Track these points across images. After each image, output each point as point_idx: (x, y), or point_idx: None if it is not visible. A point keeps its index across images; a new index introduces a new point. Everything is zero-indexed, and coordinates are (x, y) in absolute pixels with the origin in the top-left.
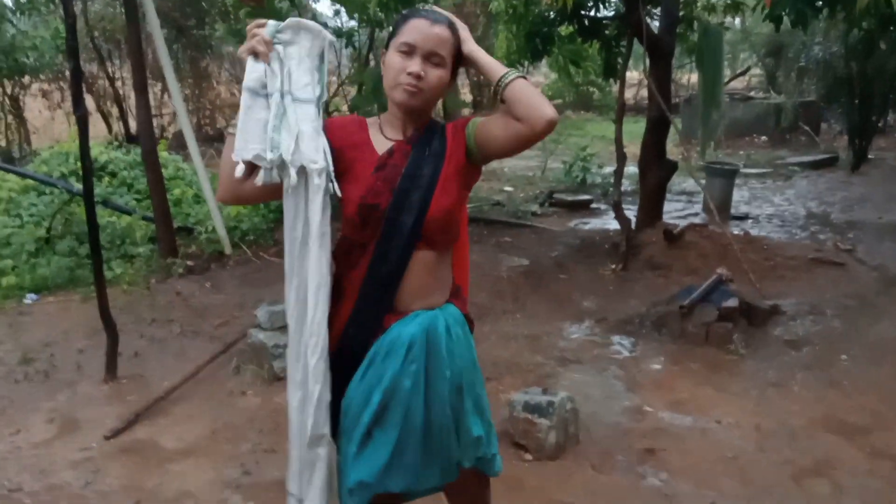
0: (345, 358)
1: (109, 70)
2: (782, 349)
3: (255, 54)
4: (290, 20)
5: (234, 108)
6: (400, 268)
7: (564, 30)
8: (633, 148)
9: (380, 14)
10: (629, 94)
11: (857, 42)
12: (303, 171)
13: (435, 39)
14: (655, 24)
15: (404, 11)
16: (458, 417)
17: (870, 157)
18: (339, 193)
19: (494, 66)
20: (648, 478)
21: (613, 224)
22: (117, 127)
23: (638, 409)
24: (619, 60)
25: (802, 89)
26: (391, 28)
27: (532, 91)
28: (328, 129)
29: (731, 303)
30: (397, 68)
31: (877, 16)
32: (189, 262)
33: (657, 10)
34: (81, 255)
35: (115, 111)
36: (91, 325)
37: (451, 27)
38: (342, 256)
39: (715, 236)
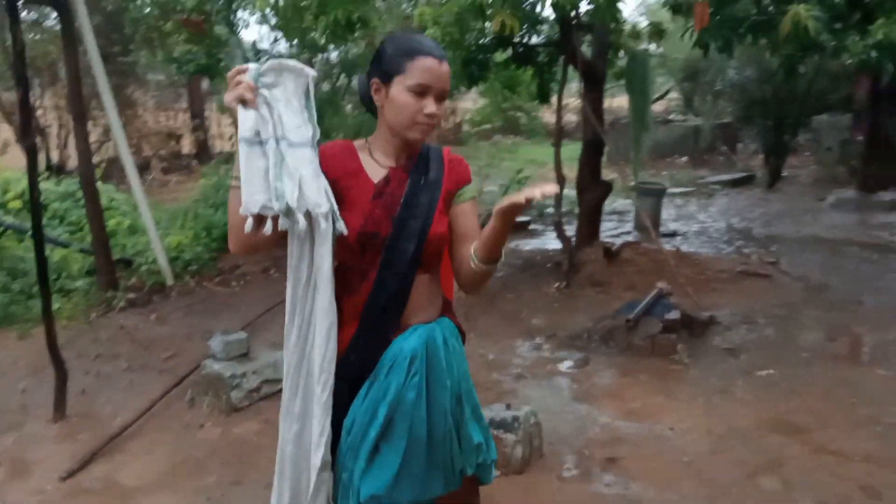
0: (345, 381)
1: (31, 98)
2: (723, 357)
3: (244, 102)
4: (271, 62)
5: (160, 136)
6: (402, 293)
7: (499, 56)
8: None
9: (324, 41)
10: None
11: (777, 66)
12: (308, 215)
13: (445, 78)
14: (588, 51)
15: (399, 42)
16: (458, 426)
17: (784, 174)
18: (345, 232)
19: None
20: (613, 486)
21: (553, 244)
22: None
23: (595, 420)
24: (552, 85)
25: (719, 111)
26: (382, 58)
27: (482, 282)
28: (324, 155)
29: (673, 315)
30: (413, 109)
31: (796, 43)
32: (130, 295)
33: (588, 37)
34: (14, 291)
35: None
36: (32, 363)
37: (446, 59)
38: (342, 282)
39: (650, 253)
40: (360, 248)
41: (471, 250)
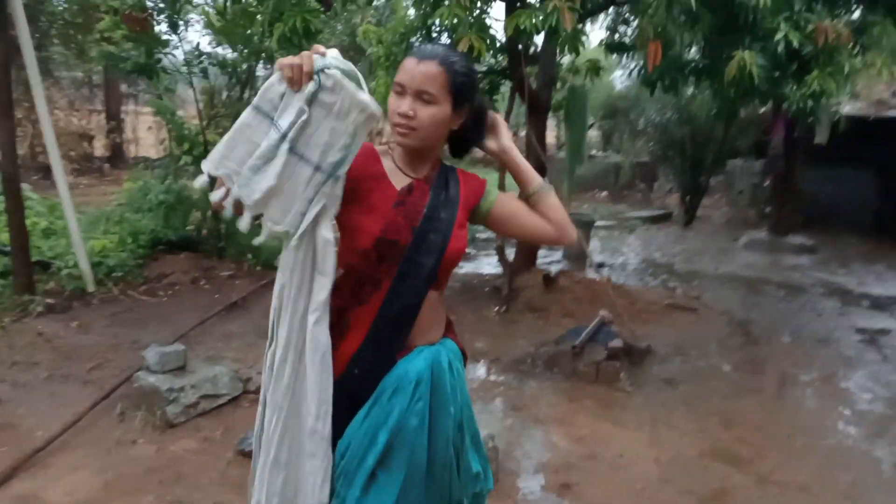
0: (345, 395)
1: None
2: (662, 386)
3: (290, 79)
4: (348, 69)
5: (72, 136)
6: (414, 308)
7: None
8: None
9: (273, 48)
10: None
11: (716, 110)
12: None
13: (420, 77)
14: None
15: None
16: (458, 454)
17: (698, 214)
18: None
19: (529, 172)
20: None
21: (487, 268)
22: None
23: (547, 445)
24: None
25: (638, 150)
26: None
27: (562, 207)
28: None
29: (617, 343)
30: (392, 109)
31: (740, 88)
32: (48, 300)
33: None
34: None
35: None
36: None
37: (444, 63)
38: (350, 290)
39: (584, 282)
40: (377, 255)
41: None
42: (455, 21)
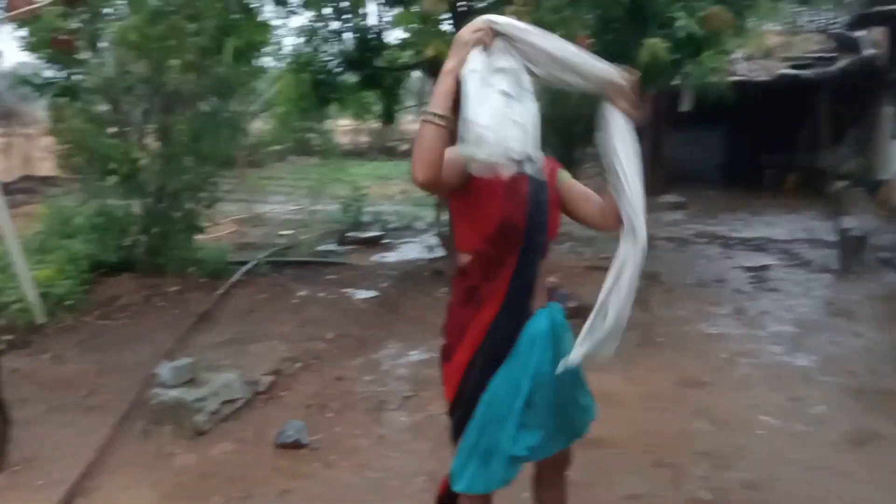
0: (487, 358)
1: None
2: None
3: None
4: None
5: None
6: (535, 278)
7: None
8: (378, 189)
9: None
10: (346, 140)
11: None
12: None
13: None
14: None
15: None
16: (574, 392)
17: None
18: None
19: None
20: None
21: (410, 255)
22: None
23: None
24: (397, 106)
25: None
26: None
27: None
28: None
29: (572, 303)
30: None
31: (652, 69)
32: (6, 337)
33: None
34: None
35: None
36: None
37: None
38: (480, 269)
39: None
40: (501, 237)
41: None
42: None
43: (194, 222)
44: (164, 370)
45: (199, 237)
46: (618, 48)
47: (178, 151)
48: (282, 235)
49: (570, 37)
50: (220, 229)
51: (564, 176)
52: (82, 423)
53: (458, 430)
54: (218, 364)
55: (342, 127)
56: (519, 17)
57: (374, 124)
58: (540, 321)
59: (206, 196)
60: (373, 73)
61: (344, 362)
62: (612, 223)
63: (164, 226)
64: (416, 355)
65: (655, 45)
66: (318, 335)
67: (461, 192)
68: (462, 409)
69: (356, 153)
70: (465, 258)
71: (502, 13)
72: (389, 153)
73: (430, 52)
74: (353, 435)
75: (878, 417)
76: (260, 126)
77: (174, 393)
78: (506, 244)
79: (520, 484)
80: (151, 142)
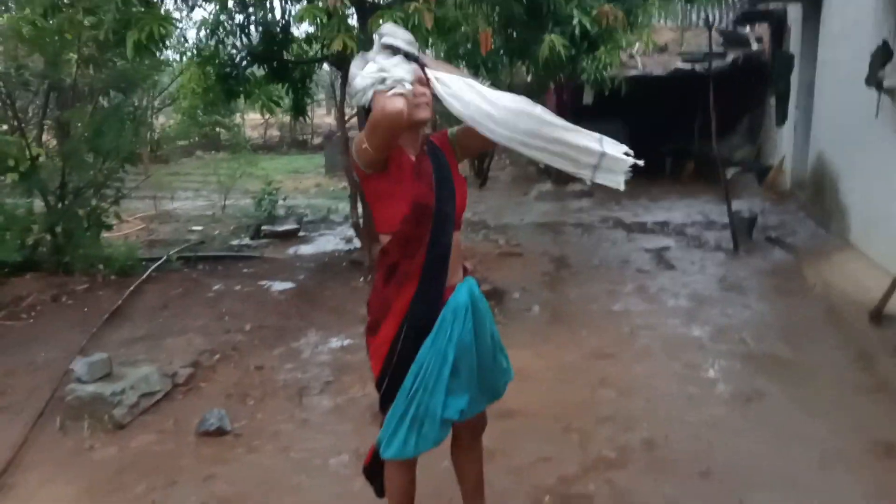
0: (411, 329)
1: None
2: (526, 315)
3: None
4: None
5: None
6: (449, 249)
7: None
8: (291, 182)
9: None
10: (257, 134)
11: (533, 83)
12: None
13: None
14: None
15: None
16: (494, 356)
17: (489, 176)
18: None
19: None
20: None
21: (327, 247)
22: None
23: None
24: (307, 100)
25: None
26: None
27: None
28: None
29: (487, 286)
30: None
31: (550, 64)
32: None
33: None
34: None
35: None
36: None
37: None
38: (398, 248)
39: None
40: (415, 218)
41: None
42: (318, 21)
43: (100, 220)
44: (79, 366)
45: (106, 235)
46: (518, 44)
47: (78, 148)
48: (192, 231)
49: (473, 32)
50: (127, 227)
51: (452, 131)
52: None
53: (385, 401)
54: (134, 359)
55: (252, 121)
56: (421, 14)
57: (284, 118)
58: (461, 294)
59: (111, 193)
60: (280, 67)
61: (263, 352)
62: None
63: (68, 224)
64: (335, 342)
65: (553, 41)
66: (235, 327)
67: (375, 177)
68: (389, 380)
69: (267, 147)
70: (384, 238)
71: (406, 10)
72: (301, 147)
73: (336, 45)
74: (276, 420)
75: (763, 379)
76: (164, 121)
77: (91, 388)
78: (419, 221)
79: (441, 452)
80: (50, 138)
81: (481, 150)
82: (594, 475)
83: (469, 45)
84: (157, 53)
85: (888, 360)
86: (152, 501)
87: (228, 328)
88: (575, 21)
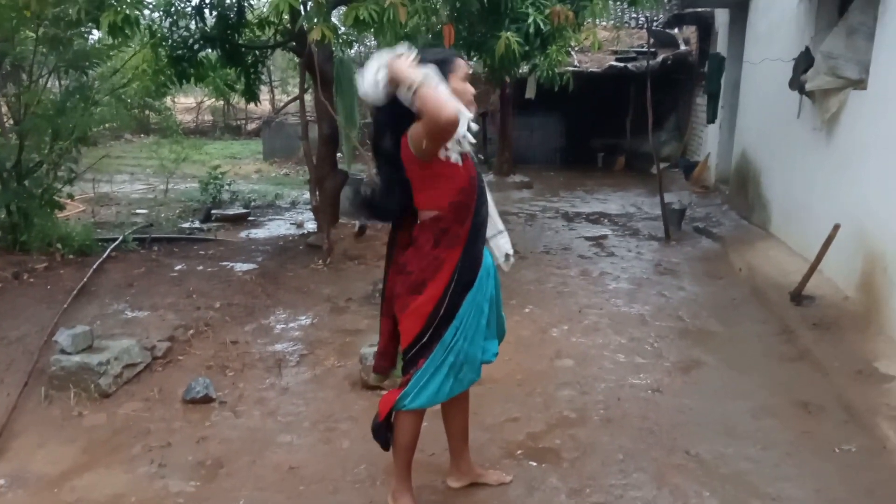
0: (458, 285)
1: None
2: None
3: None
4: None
5: None
6: (487, 216)
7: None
8: (230, 168)
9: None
10: (189, 118)
11: (489, 77)
12: None
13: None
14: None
15: (442, 52)
16: (500, 306)
17: None
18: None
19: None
20: None
21: (281, 230)
22: None
23: None
24: (258, 84)
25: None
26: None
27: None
28: None
29: None
30: (467, 89)
31: (505, 60)
32: None
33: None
34: None
35: None
36: None
37: None
38: (454, 215)
39: (385, 228)
40: (471, 189)
41: None
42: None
43: (53, 200)
44: (63, 337)
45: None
46: (475, 39)
47: (38, 125)
48: (137, 214)
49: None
50: (68, 209)
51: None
52: None
53: (418, 356)
54: (111, 333)
55: (182, 105)
56: (395, 8)
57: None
58: (488, 257)
59: (63, 174)
60: (233, 51)
61: (236, 328)
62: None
63: (23, 202)
64: (304, 320)
65: (509, 38)
66: (205, 305)
67: (434, 164)
68: (431, 334)
69: (199, 132)
70: (429, 214)
71: (381, 4)
72: (235, 132)
73: (315, 35)
74: (258, 389)
75: (699, 350)
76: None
77: (76, 359)
78: (471, 192)
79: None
80: (6, 115)
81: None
82: (559, 431)
83: (430, 37)
84: (130, 35)
85: (807, 334)
86: (151, 460)
87: (198, 305)
88: (530, 20)
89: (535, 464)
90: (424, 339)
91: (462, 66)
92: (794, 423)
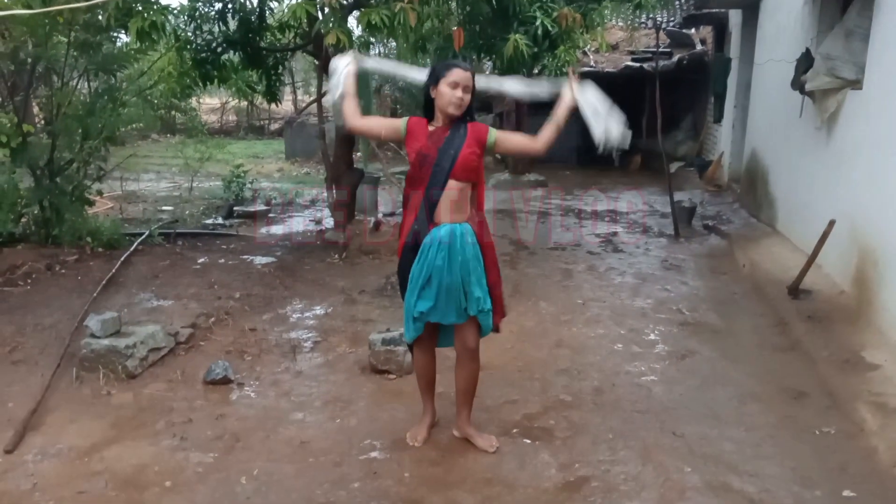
0: (406, 246)
1: None
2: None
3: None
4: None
5: None
6: (440, 193)
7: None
8: (253, 167)
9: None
10: (214, 119)
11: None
12: None
13: (466, 78)
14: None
15: (446, 62)
16: (465, 285)
17: None
18: None
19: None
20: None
21: (300, 226)
22: None
23: None
24: (279, 86)
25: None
26: (434, 71)
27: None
28: (411, 121)
29: None
30: (451, 95)
31: (514, 61)
32: None
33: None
34: None
35: None
36: None
37: (469, 71)
38: (409, 184)
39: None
40: (418, 163)
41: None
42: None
43: (83, 196)
44: (93, 322)
45: (87, 210)
46: (485, 41)
47: (70, 125)
48: (163, 211)
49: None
50: (97, 206)
51: (493, 132)
52: (10, 376)
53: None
54: (137, 320)
55: (208, 105)
56: (406, 12)
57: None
58: (440, 231)
59: (93, 171)
60: (255, 54)
61: (254, 317)
62: (539, 145)
63: (55, 198)
64: (319, 310)
65: (517, 40)
66: (226, 295)
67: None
68: (399, 281)
69: (224, 132)
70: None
71: (391, 9)
72: (258, 132)
73: (330, 39)
74: (274, 372)
75: (695, 341)
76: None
77: (105, 342)
78: (421, 168)
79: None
80: (38, 115)
81: (518, 155)
82: (553, 413)
83: (441, 41)
84: (157, 40)
85: (801, 325)
86: (173, 434)
87: (219, 295)
88: (538, 22)
89: (528, 441)
90: (399, 285)
91: (454, 73)
92: (779, 408)
